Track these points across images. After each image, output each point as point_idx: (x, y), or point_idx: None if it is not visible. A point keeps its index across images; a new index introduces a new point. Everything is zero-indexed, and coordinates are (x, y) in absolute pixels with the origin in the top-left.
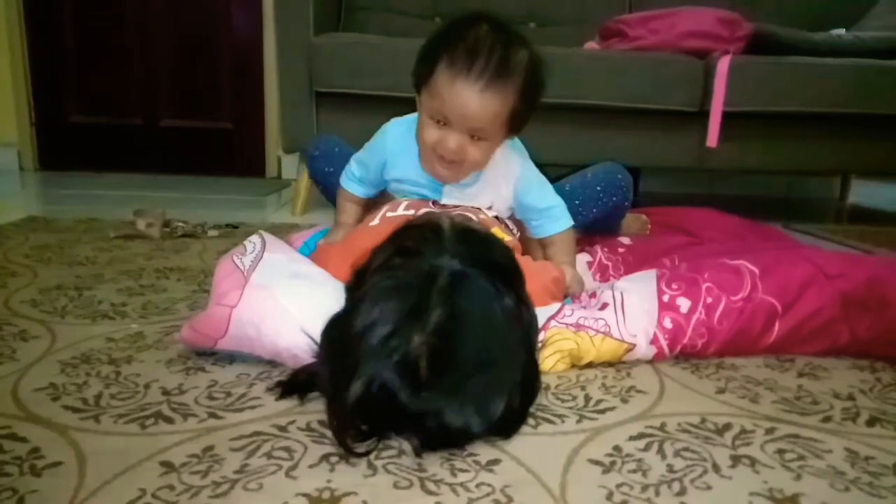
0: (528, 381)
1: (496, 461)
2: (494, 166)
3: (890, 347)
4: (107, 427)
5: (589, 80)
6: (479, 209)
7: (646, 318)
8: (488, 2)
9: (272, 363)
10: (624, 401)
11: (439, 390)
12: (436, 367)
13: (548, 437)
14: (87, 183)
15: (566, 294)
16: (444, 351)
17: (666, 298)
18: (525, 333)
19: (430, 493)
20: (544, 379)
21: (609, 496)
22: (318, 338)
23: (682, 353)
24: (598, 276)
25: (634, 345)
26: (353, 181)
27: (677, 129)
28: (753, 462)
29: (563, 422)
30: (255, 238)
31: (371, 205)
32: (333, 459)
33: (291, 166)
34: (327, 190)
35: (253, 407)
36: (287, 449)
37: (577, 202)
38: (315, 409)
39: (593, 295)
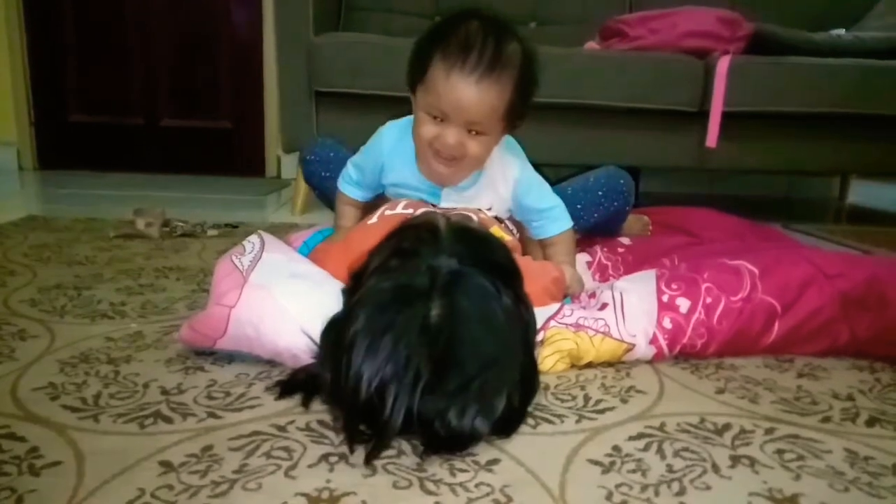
0: (528, 380)
1: (495, 461)
2: (492, 168)
3: (889, 347)
4: (106, 426)
5: (589, 80)
6: (478, 209)
7: (645, 318)
8: (489, 1)
9: (271, 363)
10: (623, 401)
11: (441, 392)
12: (437, 368)
13: (547, 437)
14: (87, 182)
15: (566, 294)
16: (444, 352)
17: (665, 298)
18: (524, 332)
19: (430, 492)
20: (544, 379)
21: (608, 496)
22: (317, 338)
23: (681, 353)
24: (597, 276)
25: (634, 345)
26: (351, 185)
27: (677, 129)
28: (753, 462)
29: (562, 422)
30: (253, 238)
31: (370, 208)
32: (333, 459)
33: (291, 166)
34: (324, 195)
35: (252, 407)
36: (286, 449)
37: (578, 206)
38: (314, 409)
39: (593, 295)
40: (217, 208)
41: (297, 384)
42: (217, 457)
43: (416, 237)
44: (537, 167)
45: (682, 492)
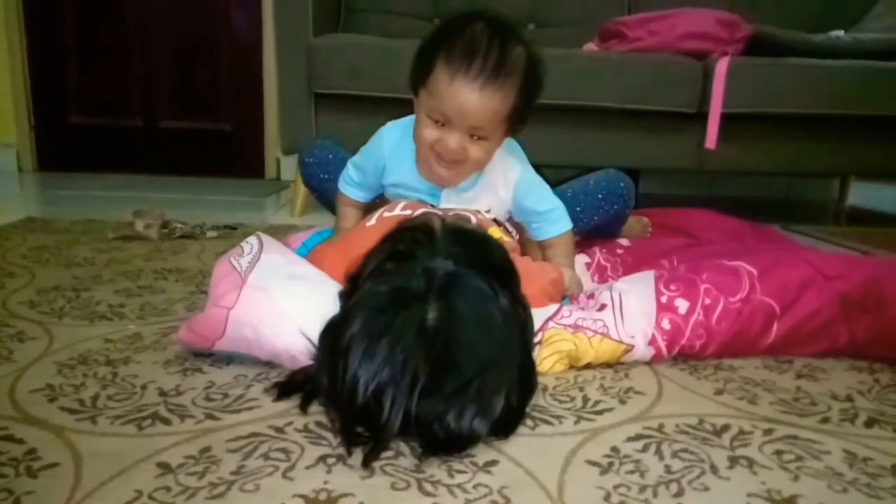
0: (525, 381)
1: (494, 462)
2: (493, 170)
3: (888, 348)
4: (103, 428)
5: (588, 82)
6: (477, 211)
7: (644, 320)
8: (488, 3)
9: (270, 364)
10: (622, 402)
11: (439, 394)
12: (434, 370)
13: (546, 438)
14: (86, 184)
15: (564, 295)
16: (441, 354)
17: (664, 299)
18: (521, 333)
19: (428, 494)
20: (542, 380)
21: (607, 497)
22: (315, 339)
23: (680, 354)
24: (596, 277)
25: (633, 346)
26: (352, 186)
27: (676, 130)
28: (751, 463)
29: (560, 423)
30: (252, 239)
31: (371, 208)
32: (330, 461)
33: (290, 167)
34: (323, 197)
35: (250, 408)
36: (284, 450)
37: (578, 209)
38: (312, 410)
39: (591, 296)
40: (216, 210)
41: (296, 386)
42: (215, 458)
43: (411, 239)
44: (537, 168)
45: (680, 493)
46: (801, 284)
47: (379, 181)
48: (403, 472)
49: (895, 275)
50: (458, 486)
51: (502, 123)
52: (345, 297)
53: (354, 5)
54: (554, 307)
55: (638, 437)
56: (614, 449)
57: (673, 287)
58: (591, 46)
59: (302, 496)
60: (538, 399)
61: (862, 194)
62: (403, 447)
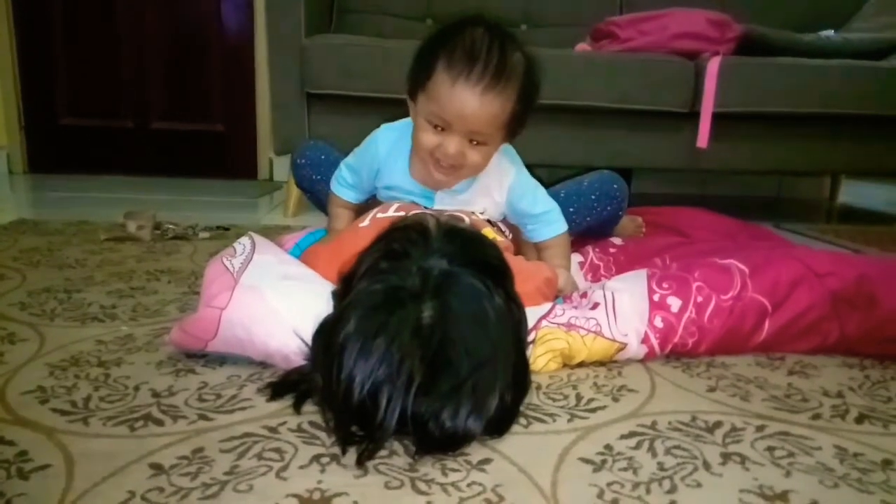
0: (520, 379)
1: (487, 460)
2: (488, 173)
3: (879, 345)
4: (96, 429)
5: (580, 82)
6: (471, 212)
7: (637, 318)
8: (481, 4)
9: (263, 365)
10: (615, 400)
11: (434, 393)
12: (429, 369)
13: (539, 436)
14: (78, 186)
15: (558, 295)
16: (436, 353)
17: (657, 298)
18: (515, 331)
19: (422, 492)
20: (536, 378)
21: (600, 494)
22: (309, 339)
23: (673, 351)
24: (589, 276)
25: (625, 344)
26: (345, 187)
27: (668, 129)
28: (744, 459)
29: (554, 421)
30: (244, 240)
31: (363, 210)
32: (324, 460)
33: (283, 168)
34: (316, 197)
35: (243, 408)
36: (278, 450)
37: (570, 209)
38: (306, 410)
39: (584, 295)
40: (209, 211)
41: (289, 386)
42: (208, 458)
43: (406, 238)
44: (529, 169)
45: (673, 489)
46: (793, 282)
47: (372, 183)
48: (397, 470)
49: (885, 272)
50: (452, 484)
51: (501, 128)
52: (338, 296)
53: (347, 6)
54: (547, 306)
55: (631, 435)
56: (607, 446)
57: (665, 285)
58: (583, 46)
59: (296, 496)
60: (532, 397)
61: (853, 193)
62: (397, 446)
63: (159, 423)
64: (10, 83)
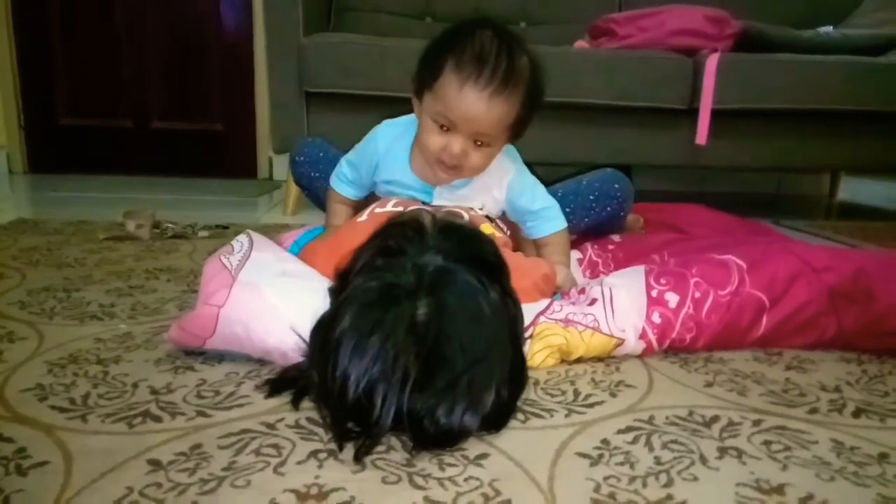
0: (516, 374)
1: (484, 455)
2: (488, 171)
3: (876, 340)
4: (94, 426)
5: (579, 79)
6: (469, 208)
7: (634, 313)
8: (480, 1)
9: (261, 361)
10: (613, 395)
11: (430, 390)
12: (425, 366)
13: (536, 431)
14: (77, 185)
15: (556, 291)
16: (432, 350)
17: (654, 293)
18: (511, 327)
19: (419, 487)
20: (534, 374)
21: (597, 488)
22: (306, 336)
23: (670, 347)
24: (587, 273)
25: (623, 339)
26: (344, 183)
27: (667, 126)
28: (740, 453)
29: (551, 416)
30: (242, 237)
31: (361, 206)
32: (322, 456)
33: (282, 167)
34: (314, 195)
35: (241, 405)
36: (275, 446)
37: (567, 209)
38: (304, 406)
39: (582, 291)
40: (208, 210)
41: (287, 382)
42: (206, 455)
43: (401, 235)
44: (529, 167)
45: (669, 483)
46: (790, 277)
47: (371, 179)
48: (394, 466)
49: (882, 267)
50: (449, 479)
51: (506, 130)
52: (334, 293)
53: (345, 4)
54: (545, 302)
55: (628, 430)
56: (605, 441)
57: (663, 281)
58: (581, 44)
59: (293, 491)
60: (529, 393)
61: (852, 189)
62: (394, 441)
63: (157, 419)
64: (10, 83)
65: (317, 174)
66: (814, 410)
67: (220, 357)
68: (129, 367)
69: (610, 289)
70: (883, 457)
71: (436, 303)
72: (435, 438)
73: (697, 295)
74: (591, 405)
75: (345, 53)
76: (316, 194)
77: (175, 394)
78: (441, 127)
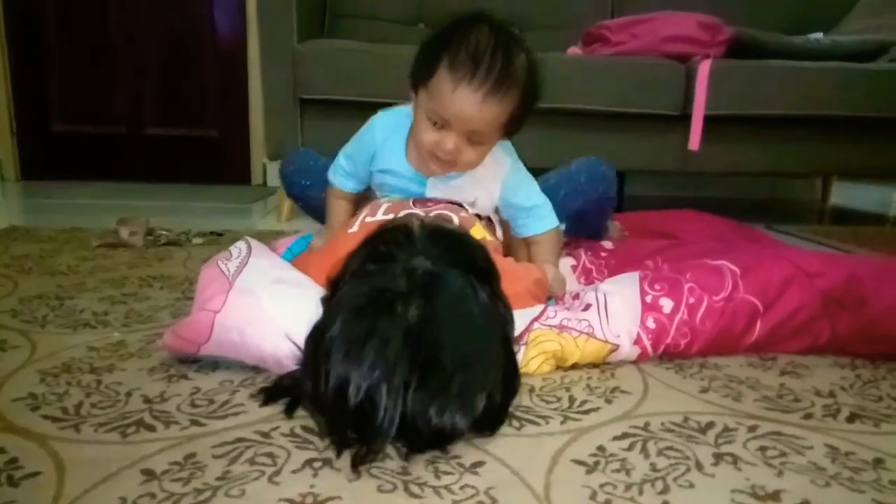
0: (508, 376)
1: (480, 463)
2: (484, 164)
3: (869, 345)
4: (87, 436)
5: (572, 85)
6: (460, 206)
7: (629, 319)
8: (474, 6)
9: (256, 369)
10: (608, 401)
11: (422, 392)
12: (416, 369)
13: (532, 438)
14: (70, 192)
15: (549, 295)
16: (423, 353)
17: (649, 299)
18: (502, 329)
19: (414, 496)
20: (529, 381)
21: (593, 496)
22: (301, 343)
23: (665, 353)
24: (582, 280)
25: (618, 345)
26: (343, 176)
27: (660, 132)
28: (736, 459)
29: (547, 423)
30: (240, 244)
31: (361, 201)
32: (317, 464)
33: (277, 173)
34: (307, 204)
35: (236, 413)
36: (270, 455)
37: (561, 193)
38: (298, 414)
39: (576, 296)
40: (203, 216)
41: (282, 391)
42: (200, 464)
43: (390, 240)
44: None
45: (665, 490)
46: (784, 282)
47: (368, 169)
48: (390, 474)
49: (875, 273)
50: (445, 487)
51: (500, 129)
52: (327, 301)
53: (340, 11)
54: (539, 308)
55: (624, 436)
56: (600, 448)
57: (657, 287)
58: (574, 50)
59: (288, 500)
60: (524, 400)
61: (844, 194)
62: (390, 449)
63: (151, 428)
64: (2, 89)
65: (308, 182)
66: (808, 416)
67: (214, 365)
68: (122, 376)
69: (604, 294)
70: (878, 462)
71: (426, 307)
72: (427, 439)
73: (692, 300)
74: (587, 412)
75: (339, 60)
76: (308, 203)
77: (169, 402)
78: (435, 124)
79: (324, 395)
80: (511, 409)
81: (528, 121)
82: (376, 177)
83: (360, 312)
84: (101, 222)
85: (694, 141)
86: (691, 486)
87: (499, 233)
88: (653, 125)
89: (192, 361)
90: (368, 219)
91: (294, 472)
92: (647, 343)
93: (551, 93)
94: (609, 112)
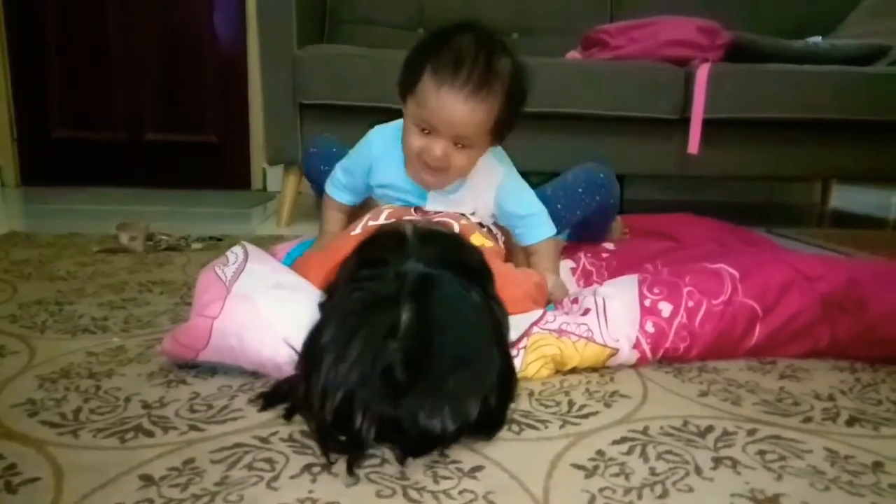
0: (504, 378)
1: (479, 468)
2: (478, 174)
3: (869, 348)
4: (85, 441)
5: (571, 89)
6: (461, 215)
7: (628, 323)
8: (472, 12)
9: (254, 374)
10: (607, 405)
11: (416, 394)
12: (408, 372)
13: (531, 442)
14: (70, 198)
15: (549, 301)
16: (417, 355)
17: (648, 303)
18: (496, 330)
19: (413, 500)
20: (528, 385)
21: (592, 500)
22: (300, 348)
23: (664, 356)
24: (581, 282)
25: (617, 349)
26: (339, 188)
27: (659, 136)
28: (735, 463)
29: (546, 427)
30: (237, 249)
31: (356, 212)
32: (315, 470)
33: (276, 178)
34: (320, 189)
35: (235, 419)
36: (269, 460)
37: (559, 206)
38: (297, 419)
39: (575, 300)
40: (202, 222)
41: (280, 395)
42: (198, 469)
43: (382, 245)
44: (522, 175)
45: (664, 494)
46: (783, 286)
47: (365, 182)
48: (389, 479)
49: (874, 276)
50: (444, 491)
51: (487, 133)
52: (322, 306)
53: (339, 16)
54: (538, 312)
55: (623, 440)
56: (599, 452)
57: (656, 290)
58: (573, 54)
59: None
60: (524, 404)
61: (844, 197)
62: (388, 454)
63: (150, 434)
64: (3, 95)
65: (326, 168)
66: (808, 419)
67: (212, 370)
68: (121, 381)
69: (603, 298)
70: (877, 465)
71: (418, 310)
72: (418, 443)
73: (691, 304)
74: (586, 416)
75: (338, 65)
76: (322, 188)
77: (167, 408)
78: (423, 130)
79: (312, 399)
80: (510, 413)
81: (523, 126)
82: (377, 191)
83: (350, 318)
84: (100, 227)
85: (693, 145)
86: (690, 490)
87: (500, 241)
88: (652, 129)
89: (190, 367)
90: (371, 222)
91: (292, 477)
92: (647, 347)
93: (550, 97)
94: (608, 116)
